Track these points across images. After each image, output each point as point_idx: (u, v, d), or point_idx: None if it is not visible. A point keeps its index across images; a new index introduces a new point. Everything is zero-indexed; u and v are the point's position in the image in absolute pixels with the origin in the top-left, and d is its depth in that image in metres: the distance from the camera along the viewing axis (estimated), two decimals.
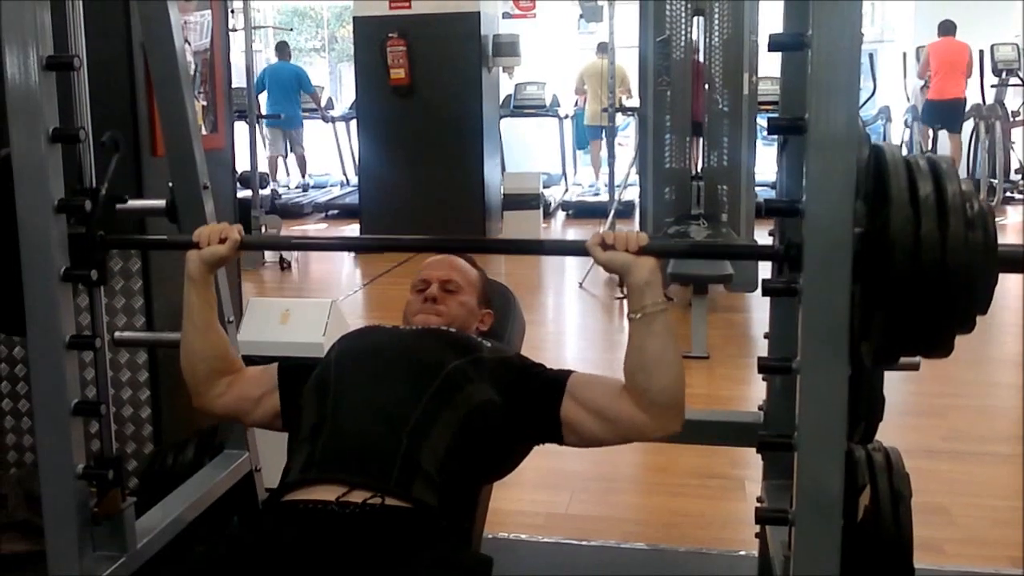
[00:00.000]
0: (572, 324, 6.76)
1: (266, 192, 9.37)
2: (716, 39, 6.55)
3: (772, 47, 1.66)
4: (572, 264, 8.34)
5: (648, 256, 1.81)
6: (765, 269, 1.99)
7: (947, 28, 10.71)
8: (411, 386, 1.88)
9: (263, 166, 9.77)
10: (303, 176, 12.23)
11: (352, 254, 8.70)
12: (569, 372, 1.98)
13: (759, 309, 5.81)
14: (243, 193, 7.69)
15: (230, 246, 1.98)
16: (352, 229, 9.41)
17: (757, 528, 2.35)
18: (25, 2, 1.78)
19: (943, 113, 10.69)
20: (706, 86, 6.47)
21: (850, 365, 1.57)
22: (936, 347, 1.56)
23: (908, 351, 1.59)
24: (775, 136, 1.71)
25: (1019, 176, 11.04)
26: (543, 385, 1.96)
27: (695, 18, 6.42)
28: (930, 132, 10.95)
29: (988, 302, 1.54)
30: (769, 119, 1.68)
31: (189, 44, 3.39)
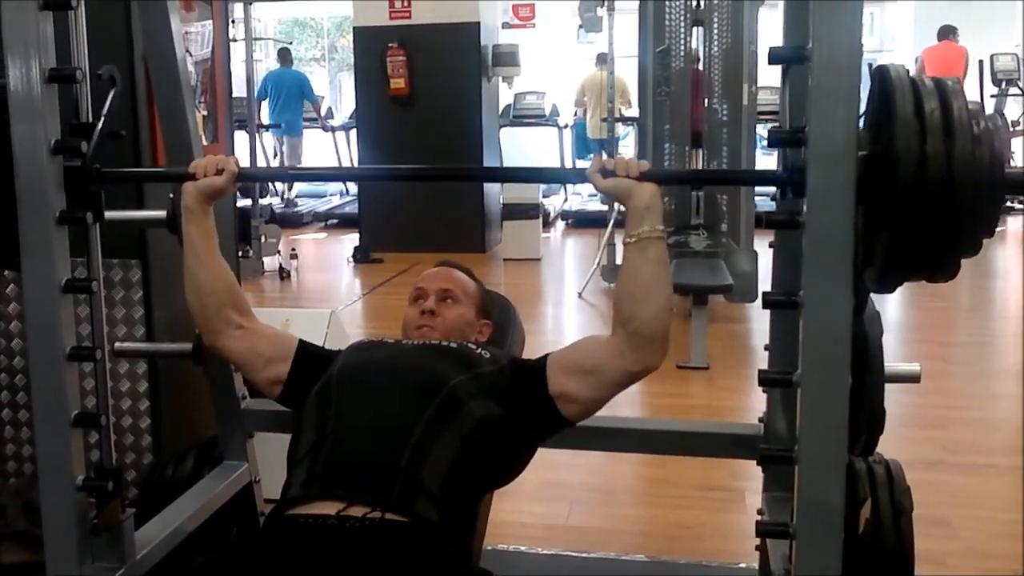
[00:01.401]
0: (571, 334, 6.75)
1: (266, 201, 9.38)
2: (715, 49, 6.57)
3: (772, 60, 1.66)
4: (571, 274, 8.35)
5: (649, 182, 1.81)
6: (765, 279, 1.99)
7: (946, 32, 10.72)
8: (412, 404, 1.88)
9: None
10: (289, 190, 12.23)
11: (351, 264, 8.70)
12: (547, 355, 2.01)
13: (759, 320, 5.80)
14: (243, 202, 7.71)
15: (227, 177, 1.97)
16: (351, 238, 9.41)
17: (758, 540, 2.35)
18: (28, 14, 1.78)
19: None
20: (705, 97, 6.49)
21: (854, 291, 1.54)
22: (941, 269, 1.53)
23: (913, 274, 1.56)
24: (775, 147, 1.71)
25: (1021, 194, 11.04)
26: (529, 377, 1.98)
27: (694, 28, 6.43)
28: None
29: (994, 224, 1.51)
30: (769, 131, 1.68)
31: (190, 54, 3.40)
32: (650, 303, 1.83)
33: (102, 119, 1.95)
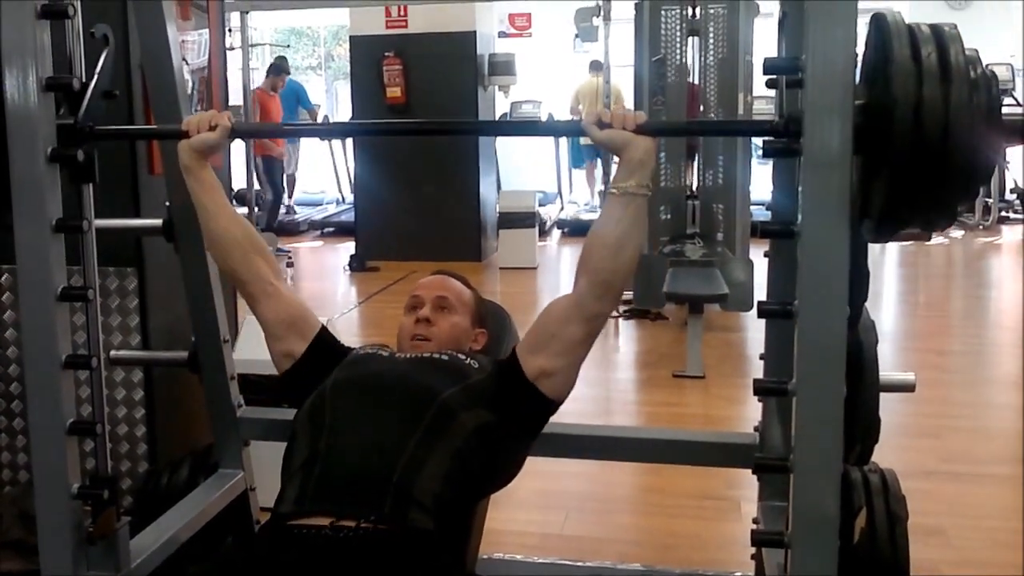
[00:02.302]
0: None
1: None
2: (711, 59, 6.58)
3: (767, 70, 1.66)
4: (567, 283, 8.32)
5: (645, 135, 1.81)
6: (760, 288, 2.00)
7: None
8: (405, 419, 1.88)
9: (258, 184, 9.78)
10: (290, 197, 12.23)
11: (347, 273, 8.71)
12: (513, 349, 2.04)
13: (755, 329, 5.81)
14: (239, 210, 7.70)
15: (220, 132, 1.97)
16: (347, 247, 9.42)
17: (753, 549, 2.35)
18: (26, 23, 1.79)
19: None
20: (701, 106, 6.51)
21: (851, 231, 1.54)
22: (938, 216, 1.53)
23: (910, 222, 1.55)
24: (770, 157, 1.71)
25: (1014, 196, 11.08)
26: (507, 373, 2.00)
27: (690, 38, 6.46)
28: None
29: (991, 172, 1.51)
30: (764, 142, 1.68)
31: (187, 62, 3.40)
32: (620, 255, 1.86)
33: (95, 78, 1.94)
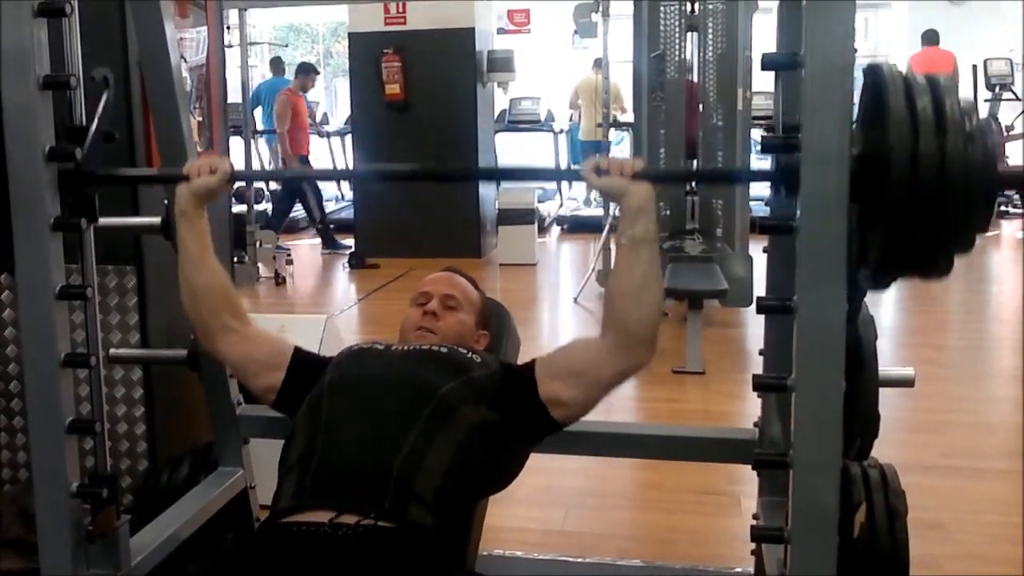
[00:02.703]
0: (567, 339, 6.70)
1: (261, 208, 9.38)
2: (710, 55, 6.58)
3: (765, 66, 1.66)
4: (567, 279, 8.35)
5: (643, 181, 1.81)
6: (760, 284, 2.00)
7: (929, 38, 10.74)
8: (404, 412, 1.88)
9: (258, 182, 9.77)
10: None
11: (346, 270, 8.71)
12: (534, 359, 2.01)
13: (755, 324, 5.81)
14: (238, 208, 7.71)
15: (220, 177, 1.97)
16: (347, 244, 9.42)
17: (753, 545, 2.35)
18: (22, 21, 1.78)
19: None
20: (700, 102, 6.50)
21: (848, 295, 1.55)
22: (934, 267, 1.53)
23: (906, 272, 1.56)
24: (769, 152, 1.71)
25: (1013, 191, 11.08)
26: (518, 383, 1.98)
27: (689, 34, 6.45)
28: None
29: (988, 220, 1.51)
30: (762, 137, 1.68)
31: (185, 60, 3.40)
32: (642, 303, 1.84)
33: (96, 121, 1.95)
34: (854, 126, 1.52)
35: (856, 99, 1.55)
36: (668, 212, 6.60)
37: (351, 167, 10.49)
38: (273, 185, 11.44)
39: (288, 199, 9.61)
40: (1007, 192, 10.73)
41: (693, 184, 6.52)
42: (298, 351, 2.12)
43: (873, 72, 1.54)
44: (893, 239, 1.49)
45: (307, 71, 9.95)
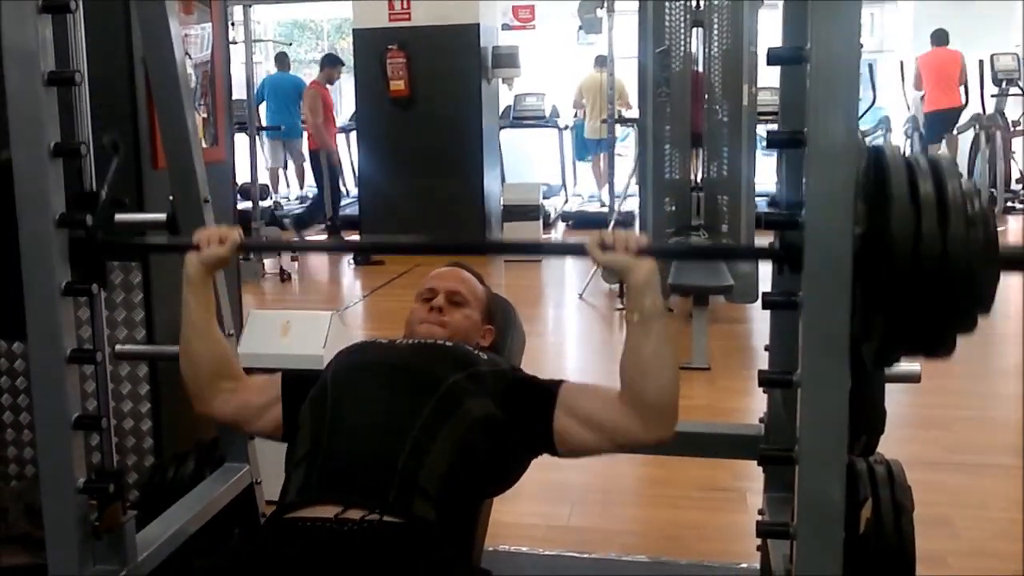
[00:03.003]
0: (572, 335, 6.75)
1: (266, 204, 9.38)
2: (715, 50, 6.56)
3: (771, 61, 1.66)
4: (572, 275, 8.34)
5: (647, 258, 1.81)
6: (765, 280, 1.99)
7: (939, 38, 10.72)
8: (409, 404, 1.87)
9: (263, 178, 9.79)
10: (301, 188, 12.23)
11: (352, 266, 8.71)
12: (560, 382, 1.98)
13: (760, 320, 5.80)
14: (243, 205, 7.72)
15: (229, 247, 1.98)
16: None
17: (759, 540, 2.35)
18: (27, 17, 1.78)
19: (940, 124, 10.72)
20: (705, 97, 6.49)
21: (851, 371, 1.56)
22: (937, 347, 1.54)
23: (909, 352, 1.57)
24: (775, 148, 1.71)
25: (1020, 186, 11.06)
26: (536, 396, 1.96)
27: (694, 29, 6.44)
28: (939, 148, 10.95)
29: (990, 302, 1.52)
30: (768, 133, 1.68)
31: (190, 57, 3.40)
32: (657, 377, 1.82)
33: (106, 187, 1.97)
34: (857, 201, 1.53)
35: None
36: (674, 208, 6.60)
37: (355, 165, 10.46)
38: (308, 180, 11.47)
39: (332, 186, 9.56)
40: (1013, 188, 10.74)
41: (698, 181, 6.53)
42: (286, 375, 2.12)
43: (876, 154, 1.55)
44: (896, 322, 1.51)
45: (333, 63, 9.90)
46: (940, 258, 1.45)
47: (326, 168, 9.24)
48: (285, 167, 12.00)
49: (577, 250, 1.90)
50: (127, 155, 3.01)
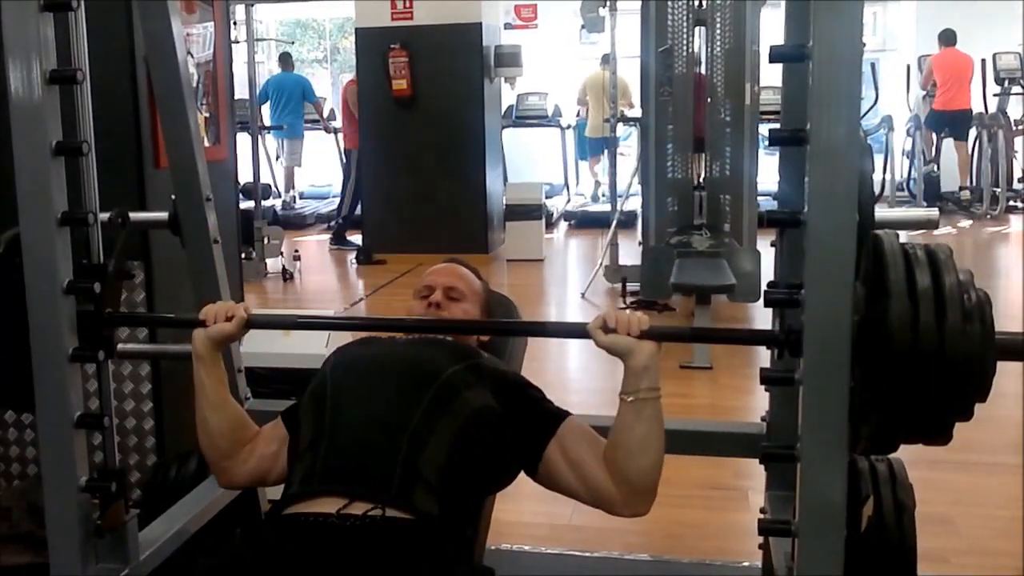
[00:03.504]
0: None
1: (271, 203, 9.38)
2: (718, 49, 6.56)
3: (773, 59, 1.67)
4: (574, 274, 8.35)
5: (649, 340, 1.82)
6: (767, 279, 1.99)
7: (948, 39, 10.73)
8: (408, 394, 1.88)
9: (266, 178, 9.79)
10: (291, 189, 12.22)
11: (354, 265, 8.73)
12: (566, 414, 1.97)
13: (762, 319, 5.80)
14: (245, 204, 7.72)
15: (236, 324, 1.98)
16: (355, 239, 9.42)
17: (761, 539, 2.35)
18: (29, 16, 1.79)
19: (950, 123, 10.72)
20: (708, 97, 6.49)
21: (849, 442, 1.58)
22: (935, 435, 1.58)
23: (906, 439, 1.60)
24: (777, 146, 1.72)
25: (1022, 185, 11.05)
26: (540, 415, 1.96)
27: (697, 28, 6.44)
28: (934, 138, 10.95)
29: (987, 391, 1.55)
30: (770, 131, 1.68)
31: (192, 56, 3.40)
32: (642, 459, 1.83)
33: (113, 260, 1.98)
34: (856, 285, 1.54)
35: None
36: (676, 207, 6.60)
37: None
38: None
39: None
40: (1015, 187, 10.73)
41: (700, 181, 6.53)
42: (283, 413, 2.11)
43: (875, 244, 1.56)
44: (894, 411, 1.53)
45: None
46: (938, 351, 1.47)
47: (355, 167, 9.28)
48: (300, 165, 12.00)
49: (579, 332, 1.89)
50: (129, 154, 3.03)
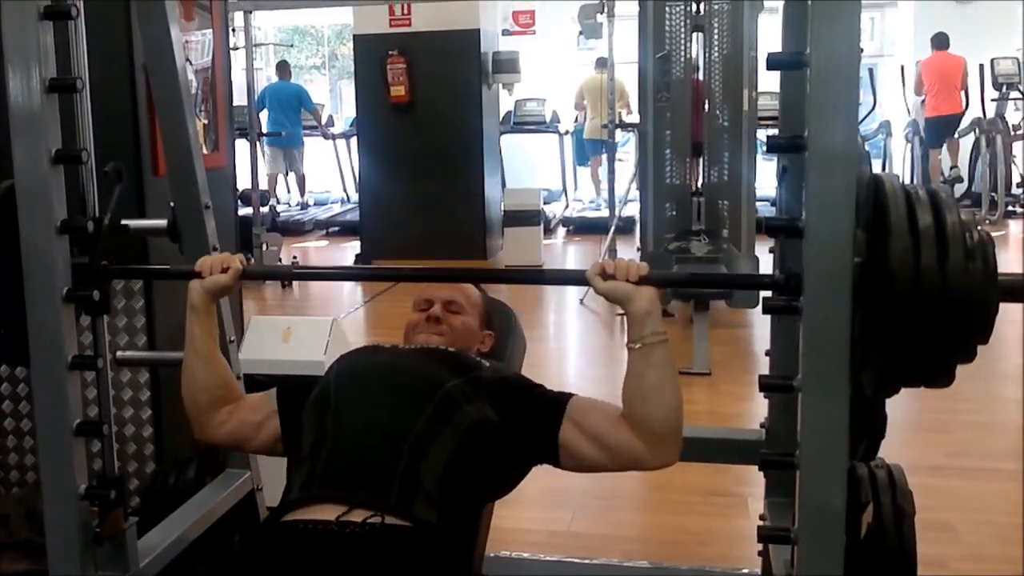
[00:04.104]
0: (573, 341, 6.75)
1: (264, 210, 9.38)
2: (716, 55, 6.56)
3: (770, 66, 1.66)
4: None
5: (648, 286, 1.81)
6: None
7: (940, 42, 10.74)
8: (409, 405, 1.88)
9: (263, 184, 9.80)
10: (302, 195, 12.24)
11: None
12: (570, 395, 1.97)
13: (761, 325, 5.80)
14: (244, 211, 7.72)
15: (232, 275, 1.99)
16: (353, 246, 9.43)
17: (760, 546, 2.35)
18: (28, 24, 1.79)
19: (941, 129, 10.75)
20: (706, 102, 6.49)
21: (851, 387, 1.56)
22: (937, 377, 1.56)
23: (908, 382, 1.58)
24: (775, 152, 1.72)
25: (1020, 190, 11.06)
26: (543, 406, 1.95)
27: (694, 34, 6.44)
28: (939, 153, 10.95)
29: (989, 331, 1.54)
30: (768, 138, 1.68)
31: (190, 63, 3.41)
32: (659, 404, 1.81)
33: (109, 214, 1.98)
34: (857, 229, 1.53)
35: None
36: (675, 213, 6.59)
37: (356, 170, 10.47)
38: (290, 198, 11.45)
39: None
40: (1014, 192, 10.75)
41: (698, 186, 6.53)
42: (280, 388, 2.12)
43: (876, 184, 1.55)
44: (896, 353, 1.52)
45: None
46: (940, 290, 1.46)
47: None
48: (285, 174, 12.01)
49: (577, 279, 1.89)
50: (128, 162, 3.03)
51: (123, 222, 2.05)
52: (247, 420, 2.08)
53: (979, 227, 1.52)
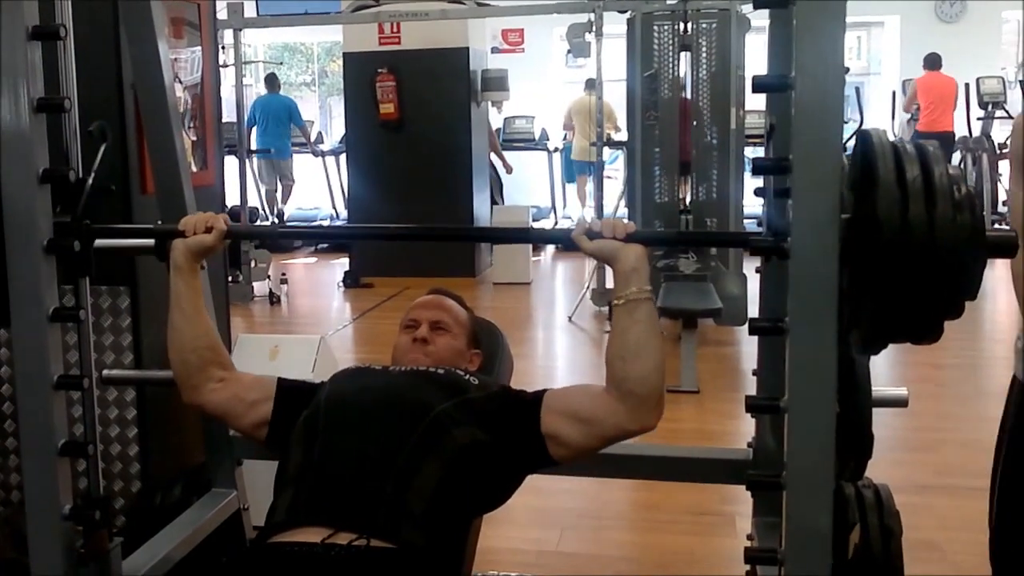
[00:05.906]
0: (561, 358, 6.75)
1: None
2: (703, 74, 6.61)
3: (756, 89, 1.68)
4: (561, 298, 8.35)
5: (635, 243, 1.82)
6: (754, 303, 2.00)
7: (933, 62, 10.84)
8: (397, 431, 1.88)
9: (253, 201, 9.78)
10: (284, 203, 12.19)
11: (341, 289, 8.70)
12: (544, 391, 2.00)
13: (749, 343, 5.81)
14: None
15: (216, 235, 1.99)
16: (342, 263, 9.41)
17: (748, 566, 2.34)
18: (17, 44, 1.79)
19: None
20: (694, 121, 6.52)
21: (839, 396, 1.56)
22: (924, 332, 1.54)
23: (896, 337, 1.57)
24: (758, 174, 1.73)
25: (1006, 208, 11.12)
26: (522, 409, 1.97)
27: (682, 53, 6.48)
28: None
29: (976, 287, 1.52)
30: (754, 160, 1.69)
31: (179, 80, 3.40)
32: (641, 362, 1.83)
33: (92, 175, 1.96)
34: (844, 191, 1.53)
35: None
36: (663, 230, 6.61)
37: (345, 187, 10.47)
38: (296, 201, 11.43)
39: None
40: (999, 211, 10.80)
41: (686, 204, 6.55)
42: (282, 380, 2.12)
43: (863, 139, 1.55)
44: (883, 307, 1.51)
45: None
46: (927, 242, 1.45)
47: None
48: (275, 189, 11.99)
49: (563, 238, 1.91)
50: (116, 180, 3.02)
51: (109, 194, 2.04)
52: (241, 396, 2.07)
53: (966, 183, 1.51)
